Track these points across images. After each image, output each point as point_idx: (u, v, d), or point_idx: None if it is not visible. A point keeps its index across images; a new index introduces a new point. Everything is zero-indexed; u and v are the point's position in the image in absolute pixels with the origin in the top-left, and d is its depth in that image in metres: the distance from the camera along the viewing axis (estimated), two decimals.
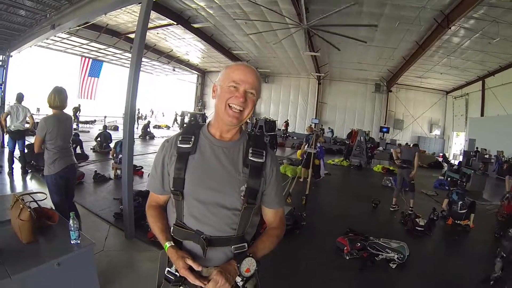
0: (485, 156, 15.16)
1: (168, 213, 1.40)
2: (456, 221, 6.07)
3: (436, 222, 6.14)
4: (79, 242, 2.28)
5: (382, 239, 4.46)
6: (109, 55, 19.93)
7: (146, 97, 27.98)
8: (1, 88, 11.45)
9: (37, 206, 2.44)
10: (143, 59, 17.05)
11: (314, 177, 7.99)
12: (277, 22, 11.60)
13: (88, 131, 16.39)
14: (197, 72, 27.96)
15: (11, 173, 6.79)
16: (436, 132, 23.61)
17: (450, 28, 10.86)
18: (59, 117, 3.55)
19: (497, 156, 14.50)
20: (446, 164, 15.30)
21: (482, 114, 18.06)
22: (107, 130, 11.83)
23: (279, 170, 1.42)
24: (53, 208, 3.00)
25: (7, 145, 6.88)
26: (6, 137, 6.90)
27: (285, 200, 5.64)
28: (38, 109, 20.12)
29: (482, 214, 6.96)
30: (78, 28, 11.73)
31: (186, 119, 23.42)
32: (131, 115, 4.19)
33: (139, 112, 24.52)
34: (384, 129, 23.09)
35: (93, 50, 18.69)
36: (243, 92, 1.24)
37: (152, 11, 4.68)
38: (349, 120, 24.91)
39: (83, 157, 8.81)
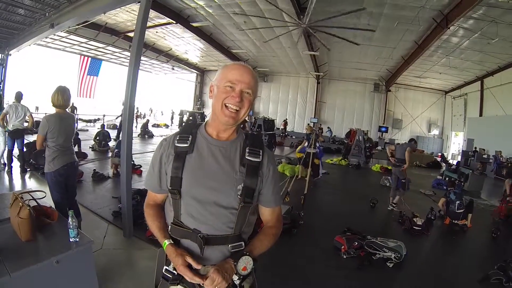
0: (484, 156, 15.20)
1: (165, 211, 1.41)
2: (453, 221, 6.08)
3: (433, 222, 6.14)
4: (78, 240, 2.29)
5: (379, 238, 4.47)
6: (108, 53, 19.94)
7: (145, 96, 28.00)
8: (0, 86, 11.45)
9: (36, 204, 2.46)
10: (142, 58, 17.07)
11: (312, 176, 8.01)
12: (275, 20, 11.59)
13: (87, 130, 16.37)
14: (196, 71, 27.97)
15: (10, 172, 6.80)
16: (435, 132, 23.67)
17: (449, 28, 10.90)
18: (62, 115, 3.57)
19: (495, 156, 14.55)
20: (444, 164, 15.31)
21: (480, 114, 18.12)
22: (105, 129, 11.82)
23: (276, 169, 1.43)
24: (53, 206, 3.01)
25: (6, 144, 6.88)
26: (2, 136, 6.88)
27: (283, 199, 5.66)
28: (37, 108, 20.13)
29: (479, 214, 6.99)
30: (77, 26, 11.72)
31: (185, 118, 23.42)
32: (129, 114, 4.20)
33: (138, 111, 24.48)
34: (383, 129, 23.14)
35: (92, 49, 18.70)
36: (239, 92, 1.25)
37: (151, 10, 4.70)
38: (348, 120, 24.97)
39: (82, 155, 8.81)
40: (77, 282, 2.37)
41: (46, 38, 12.19)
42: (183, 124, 21.66)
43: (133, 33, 4.59)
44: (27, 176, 6.84)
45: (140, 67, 4.34)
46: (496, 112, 16.31)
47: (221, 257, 1.28)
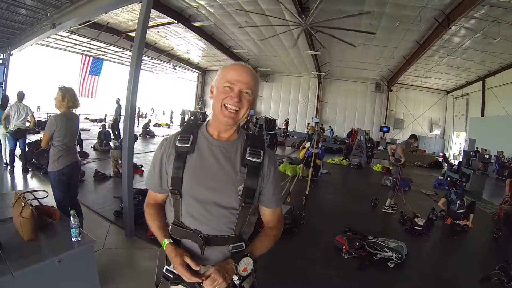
0: (485, 156, 15.18)
1: (166, 211, 1.42)
2: (454, 221, 6.08)
3: (435, 222, 6.14)
4: (79, 239, 2.31)
5: (380, 239, 4.47)
6: (109, 53, 19.95)
7: (146, 95, 28.00)
8: (2, 86, 11.49)
9: (38, 204, 2.47)
10: (144, 58, 17.03)
11: (313, 175, 8.00)
12: (277, 18, 11.58)
13: (89, 130, 16.40)
14: (197, 71, 27.96)
15: (12, 171, 6.83)
16: (436, 132, 23.63)
17: (450, 28, 10.87)
18: (68, 115, 3.60)
19: (497, 156, 14.52)
20: (446, 164, 15.29)
21: (482, 114, 18.08)
22: (107, 128, 11.85)
23: (277, 169, 1.43)
24: (55, 206, 3.03)
25: (8, 144, 6.90)
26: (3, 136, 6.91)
27: (285, 199, 5.66)
28: (38, 107, 20.15)
29: (481, 214, 6.98)
30: (78, 26, 11.74)
31: (187, 118, 23.41)
32: (131, 114, 4.21)
33: (139, 111, 24.50)
34: (385, 129, 23.10)
35: (94, 48, 18.70)
36: (237, 92, 1.25)
37: (152, 10, 4.70)
38: (349, 119, 24.94)
39: (83, 155, 8.82)
40: (78, 281, 2.39)
41: (48, 38, 12.23)
42: (185, 123, 21.71)
43: (134, 32, 4.61)
44: (29, 175, 6.87)
45: (141, 67, 4.35)
46: (498, 112, 16.27)
47: (222, 257, 1.28)
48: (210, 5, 12.56)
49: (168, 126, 24.49)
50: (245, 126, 13.50)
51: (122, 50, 18.46)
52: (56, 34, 12.74)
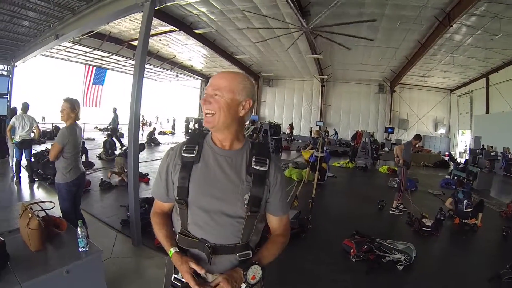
0: (491, 153, 15.06)
1: (173, 221, 1.42)
2: (463, 221, 6.01)
3: (443, 222, 6.08)
4: (87, 249, 2.31)
5: (388, 241, 4.43)
6: (112, 62, 20.07)
7: (150, 103, 28.15)
8: (7, 97, 11.59)
9: (45, 214, 2.48)
10: (146, 66, 17.11)
11: (319, 180, 7.98)
12: (279, 28, 11.66)
13: (94, 139, 16.48)
14: (200, 78, 28.04)
15: (18, 182, 6.87)
16: (441, 130, 23.53)
17: (451, 26, 10.86)
18: (75, 127, 3.64)
19: (503, 153, 14.41)
20: (452, 163, 15.18)
21: (487, 111, 17.99)
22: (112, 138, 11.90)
23: (283, 177, 1.43)
24: (61, 216, 3.04)
25: (14, 155, 6.96)
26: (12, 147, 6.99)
27: (292, 203, 5.65)
28: (43, 118, 20.33)
29: (489, 213, 6.91)
30: (81, 37, 11.86)
31: (191, 125, 23.46)
32: (135, 122, 4.23)
33: (143, 119, 24.59)
34: (389, 130, 23.05)
35: (97, 58, 18.83)
36: (206, 96, 1.28)
37: (154, 18, 4.73)
38: (354, 122, 24.94)
39: (89, 165, 8.86)
40: None
41: (51, 48, 12.35)
42: (189, 131, 21.79)
43: (137, 41, 4.64)
44: (35, 186, 6.90)
45: (144, 75, 4.38)
46: (502, 108, 16.17)
47: (229, 266, 1.28)
48: (211, 12, 12.63)
49: (173, 134, 24.51)
50: (252, 135, 13.51)
51: (125, 59, 18.56)
52: (60, 45, 12.85)
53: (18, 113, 7.06)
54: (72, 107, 3.55)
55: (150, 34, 4.88)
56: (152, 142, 16.65)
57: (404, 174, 6.72)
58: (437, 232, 5.51)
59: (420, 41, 13.67)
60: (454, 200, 6.28)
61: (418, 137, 7.14)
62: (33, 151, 7.44)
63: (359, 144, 14.40)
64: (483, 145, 16.10)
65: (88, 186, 6.77)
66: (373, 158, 14.29)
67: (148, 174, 8.14)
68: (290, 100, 27.10)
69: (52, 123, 17.01)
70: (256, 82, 26.37)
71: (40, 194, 6.47)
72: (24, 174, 7.16)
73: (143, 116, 23.61)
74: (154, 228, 1.41)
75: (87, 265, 2.31)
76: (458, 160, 17.12)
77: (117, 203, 6.04)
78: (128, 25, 14.33)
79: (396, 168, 8.29)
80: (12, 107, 8.30)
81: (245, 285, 1.22)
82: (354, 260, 4.21)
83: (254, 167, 1.30)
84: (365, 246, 4.34)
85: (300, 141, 23.33)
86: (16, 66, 11.85)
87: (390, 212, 6.68)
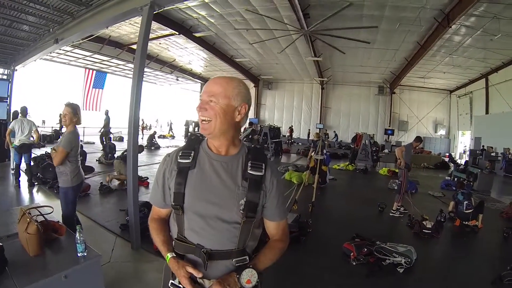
0: (492, 154, 15.05)
1: (170, 226, 1.42)
2: (463, 222, 5.99)
3: (443, 224, 6.05)
4: (85, 254, 2.31)
5: (389, 244, 4.41)
6: (112, 66, 20.10)
7: (150, 107, 28.15)
8: (7, 101, 11.59)
9: (43, 219, 2.48)
10: (146, 70, 17.18)
11: (319, 183, 7.96)
12: (278, 30, 11.67)
13: (94, 143, 16.47)
14: (200, 81, 28.03)
15: (17, 186, 6.87)
16: (441, 132, 23.53)
17: (450, 27, 10.89)
18: (77, 132, 3.70)
19: (503, 153, 14.40)
20: (452, 164, 15.16)
21: (487, 112, 18.00)
22: (112, 141, 11.90)
23: (280, 182, 1.42)
24: (62, 220, 3.04)
25: (13, 159, 6.95)
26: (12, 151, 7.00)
27: (291, 207, 5.63)
28: (43, 121, 20.35)
29: (490, 213, 6.88)
30: (81, 41, 11.88)
31: (191, 128, 23.44)
32: (134, 126, 4.23)
33: (143, 123, 24.59)
34: (389, 131, 23.06)
35: (97, 62, 18.87)
36: (201, 103, 1.28)
37: (154, 22, 4.75)
38: (354, 124, 24.95)
39: (89, 169, 8.84)
40: None
41: (51, 52, 12.37)
42: (189, 134, 21.79)
43: (136, 45, 4.64)
44: (34, 190, 6.89)
45: (144, 79, 4.39)
46: (502, 108, 16.18)
47: (226, 271, 1.27)
48: (210, 16, 12.68)
49: (173, 137, 24.47)
50: (250, 137, 13.51)
51: (125, 62, 18.60)
52: (59, 49, 12.87)
53: (18, 117, 7.06)
54: (74, 112, 3.58)
55: (150, 37, 4.90)
56: (153, 146, 16.63)
57: (405, 176, 6.71)
58: (438, 234, 5.49)
59: (420, 43, 13.69)
60: (455, 202, 6.27)
61: (418, 139, 7.13)
62: (33, 155, 7.43)
63: (359, 146, 14.39)
64: (483, 146, 16.10)
65: (88, 190, 6.76)
66: (373, 160, 14.29)
67: (147, 178, 8.12)
68: (290, 103, 27.11)
69: (52, 127, 17.03)
70: (256, 85, 26.42)
71: (39, 198, 6.45)
72: (24, 178, 7.16)
73: (143, 119, 23.61)
74: (151, 234, 1.42)
75: (86, 270, 2.30)
76: (458, 161, 17.09)
77: (116, 207, 6.03)
78: (128, 29, 14.37)
79: (397, 170, 8.28)
80: (13, 111, 8.31)
81: None
82: (354, 264, 4.19)
83: (250, 172, 1.29)
84: (365, 249, 4.32)
85: (300, 144, 23.31)
86: (16, 70, 11.86)
87: (391, 214, 6.66)
